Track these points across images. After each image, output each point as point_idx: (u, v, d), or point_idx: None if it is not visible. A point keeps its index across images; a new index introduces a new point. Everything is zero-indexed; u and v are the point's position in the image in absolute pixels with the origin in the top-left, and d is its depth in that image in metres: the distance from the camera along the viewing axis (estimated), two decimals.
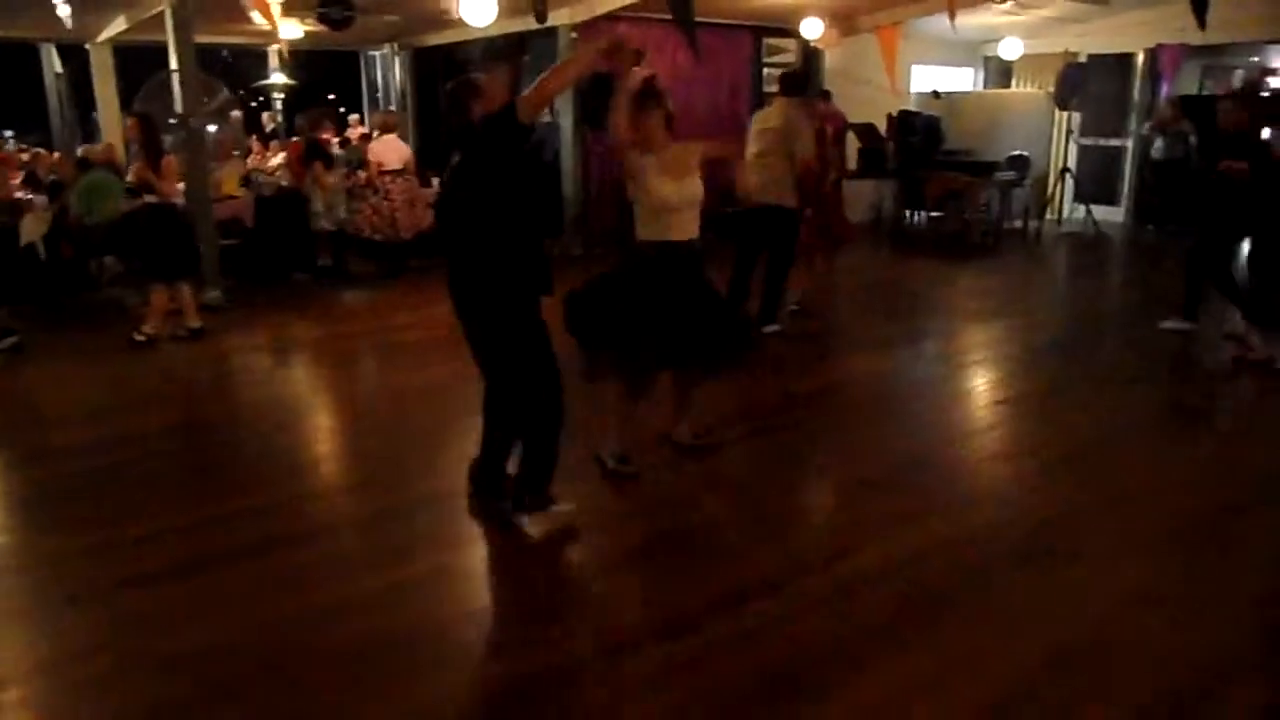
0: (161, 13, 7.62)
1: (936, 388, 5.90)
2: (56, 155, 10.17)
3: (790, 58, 11.25)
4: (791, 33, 10.55)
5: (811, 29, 9.91)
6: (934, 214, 11.28)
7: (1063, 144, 12.35)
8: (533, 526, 3.71)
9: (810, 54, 11.13)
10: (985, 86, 13.72)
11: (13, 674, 2.87)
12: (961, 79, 13.67)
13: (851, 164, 11.36)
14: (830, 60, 11.42)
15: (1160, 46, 11.14)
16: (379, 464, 4.58)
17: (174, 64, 7.65)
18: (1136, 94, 11.95)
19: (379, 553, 3.60)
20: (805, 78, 7.08)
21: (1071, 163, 12.24)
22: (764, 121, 6.34)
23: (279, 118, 13.25)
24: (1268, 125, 8.55)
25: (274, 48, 11.75)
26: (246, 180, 9.52)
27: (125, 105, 10.52)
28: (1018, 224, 11.58)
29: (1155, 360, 6.30)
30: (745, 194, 5.17)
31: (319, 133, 8.76)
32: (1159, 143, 11.00)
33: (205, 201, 7.93)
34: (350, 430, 5.31)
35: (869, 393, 5.71)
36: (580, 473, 4.07)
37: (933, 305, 8.29)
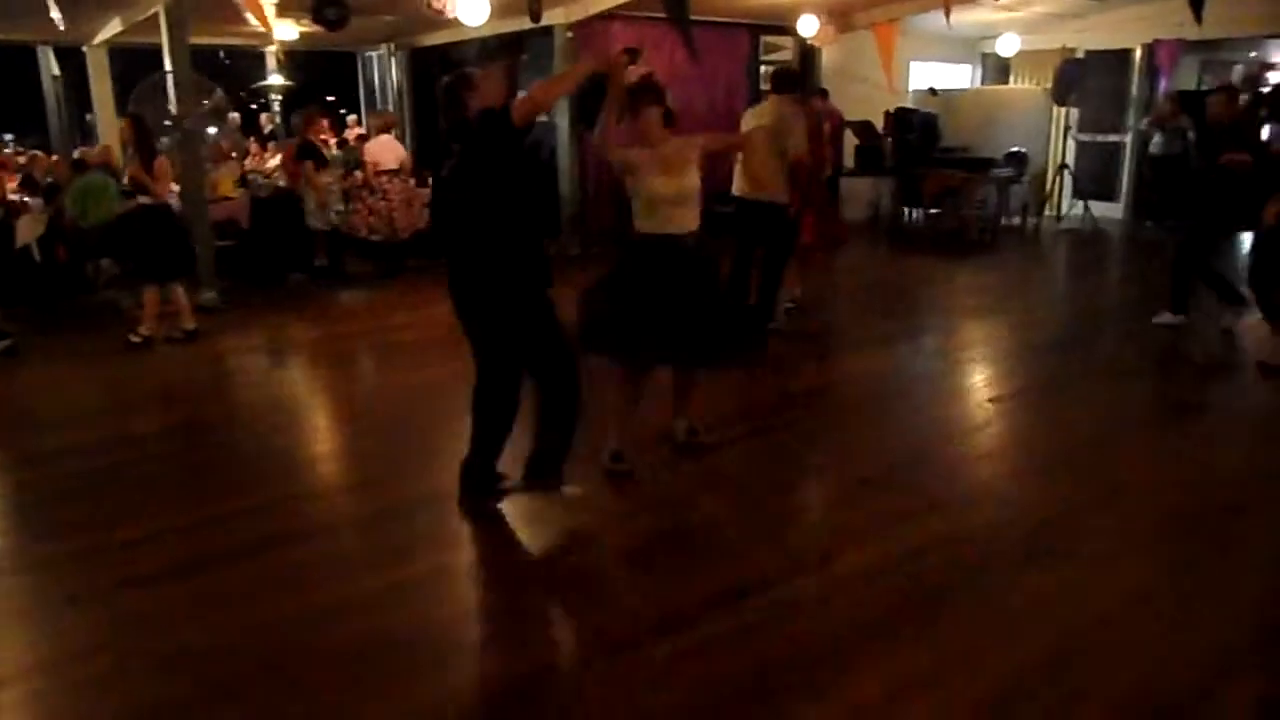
0: (156, 14, 7.62)
1: (934, 385, 5.90)
2: (54, 158, 10.17)
3: (788, 55, 11.25)
4: (789, 30, 10.54)
5: (807, 26, 9.91)
6: (932, 211, 11.29)
7: (1061, 140, 12.35)
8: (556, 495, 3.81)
9: (807, 51, 11.12)
10: (983, 83, 13.72)
11: (13, 673, 2.88)
12: (959, 75, 13.67)
13: (849, 161, 11.37)
14: (827, 58, 11.42)
15: (1158, 42, 11.14)
16: (377, 464, 4.58)
17: (168, 65, 7.64)
18: (1135, 89, 11.94)
19: (378, 552, 3.60)
20: (796, 75, 7.08)
21: (1069, 159, 12.24)
22: (756, 118, 6.35)
23: (277, 119, 13.24)
24: (1268, 122, 8.57)
25: (271, 49, 11.75)
26: (243, 181, 9.52)
27: (121, 107, 10.51)
28: (1016, 221, 11.58)
29: (1153, 356, 6.31)
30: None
31: (312, 131, 8.76)
32: (1157, 138, 10.99)
33: (201, 203, 7.93)
34: (348, 430, 5.31)
35: (867, 391, 5.71)
36: (579, 473, 4.06)
37: (930, 302, 8.29)
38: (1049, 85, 11.81)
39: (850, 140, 11.16)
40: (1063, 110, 12.09)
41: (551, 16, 9.08)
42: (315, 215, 8.60)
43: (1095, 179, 12.18)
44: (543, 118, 10.17)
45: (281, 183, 9.17)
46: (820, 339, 6.95)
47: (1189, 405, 5.44)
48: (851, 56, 11.35)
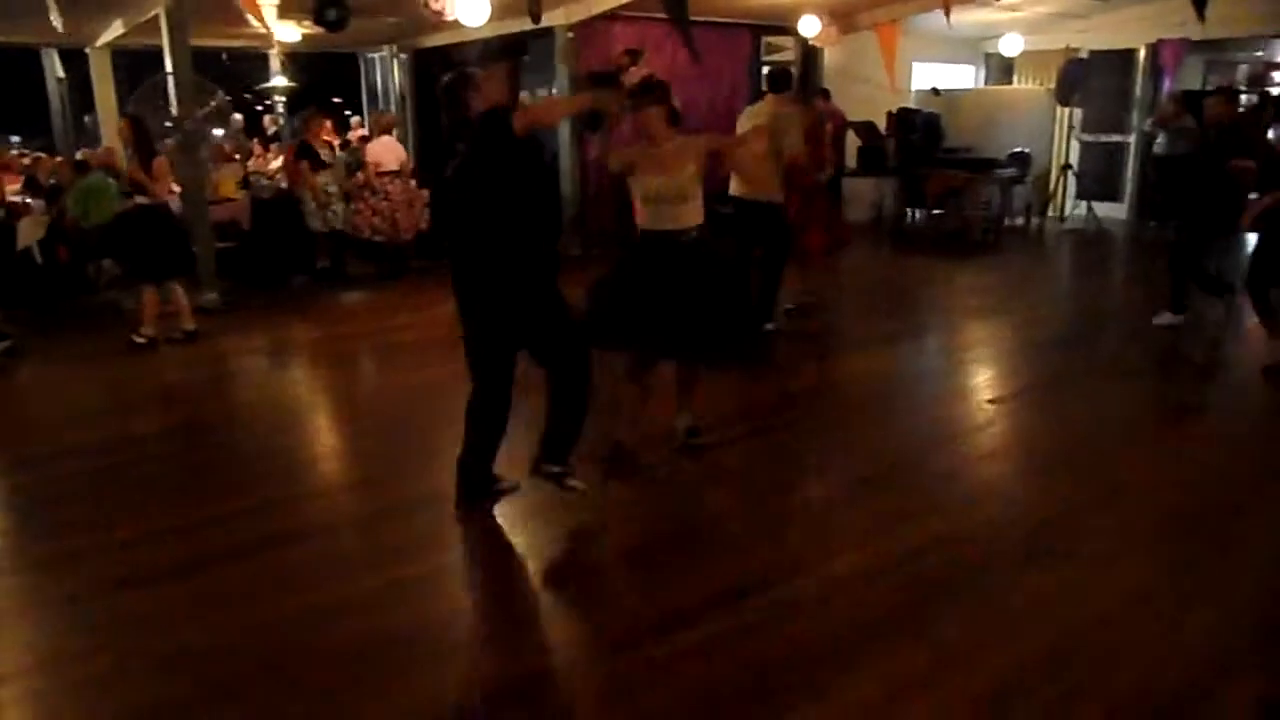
0: (157, 16, 7.63)
1: (936, 385, 5.89)
2: (58, 159, 10.20)
3: (790, 56, 11.24)
4: (790, 31, 10.53)
5: (809, 27, 9.89)
6: (935, 212, 11.27)
7: (1064, 141, 12.32)
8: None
9: (809, 52, 11.11)
10: (987, 83, 13.69)
11: (12, 672, 2.88)
12: (963, 75, 13.65)
13: (851, 162, 11.36)
14: (830, 58, 11.40)
15: (1161, 41, 11.11)
16: (377, 464, 4.59)
17: (169, 67, 7.65)
18: (1139, 90, 11.91)
19: (378, 552, 3.60)
20: (790, 74, 7.13)
21: (1073, 159, 12.21)
22: (752, 119, 6.35)
23: (281, 120, 13.26)
24: (1275, 123, 8.52)
25: (274, 51, 11.76)
26: (245, 182, 9.54)
27: (124, 109, 10.54)
28: (1019, 221, 11.56)
29: (1155, 356, 6.30)
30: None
31: (311, 133, 8.77)
32: (1161, 138, 10.95)
33: (201, 204, 7.93)
34: (348, 430, 5.32)
35: (868, 391, 5.70)
36: (579, 472, 4.06)
37: (932, 303, 8.28)
38: (1052, 85, 11.79)
39: (853, 141, 11.14)
40: (1066, 110, 12.07)
41: (552, 17, 9.08)
42: (314, 216, 8.62)
43: (1099, 179, 12.14)
44: None
45: (284, 184, 9.19)
46: (821, 339, 6.94)
47: (1190, 405, 5.43)
48: (854, 57, 11.33)
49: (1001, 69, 13.46)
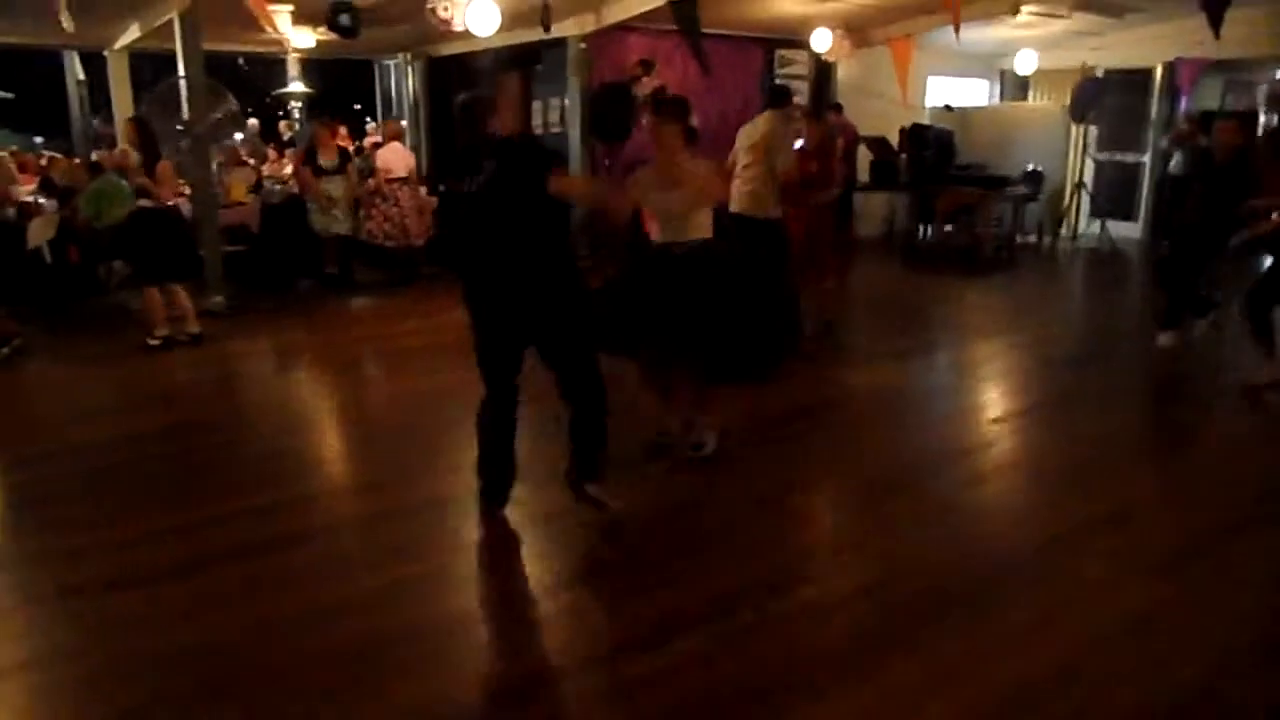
0: (172, 21, 7.68)
1: (945, 401, 5.86)
2: (76, 160, 10.26)
3: (802, 70, 11.25)
4: (803, 45, 10.54)
5: (821, 41, 9.90)
6: (946, 228, 11.24)
7: (1078, 159, 12.28)
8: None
9: (823, 66, 11.12)
10: (1001, 99, 13.67)
11: (9, 667, 2.87)
12: (977, 92, 13.63)
13: (864, 177, 11.34)
14: (843, 72, 11.41)
15: (1178, 60, 11.07)
16: (380, 467, 4.58)
17: (182, 71, 7.69)
18: (1155, 109, 11.87)
19: (379, 553, 3.59)
20: (788, 90, 7.29)
21: (1087, 178, 12.16)
22: (749, 135, 6.34)
23: (297, 125, 13.34)
24: None
25: (291, 56, 11.84)
26: (257, 186, 9.58)
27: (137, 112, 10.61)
28: (1031, 239, 11.51)
29: (1164, 376, 6.28)
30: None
31: (321, 139, 8.82)
32: (1177, 158, 10.90)
33: (211, 207, 7.95)
34: (352, 433, 5.32)
35: (878, 405, 5.66)
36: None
37: (944, 319, 8.24)
38: (1067, 103, 11.75)
39: (865, 155, 11.13)
40: (1081, 128, 12.03)
41: (565, 28, 9.11)
42: (317, 220, 8.65)
43: (1113, 198, 12.09)
44: (556, 128, 10.28)
45: (295, 189, 9.23)
46: (830, 353, 6.89)
47: (1198, 424, 5.39)
48: (868, 71, 11.33)
49: (1016, 85, 13.43)
